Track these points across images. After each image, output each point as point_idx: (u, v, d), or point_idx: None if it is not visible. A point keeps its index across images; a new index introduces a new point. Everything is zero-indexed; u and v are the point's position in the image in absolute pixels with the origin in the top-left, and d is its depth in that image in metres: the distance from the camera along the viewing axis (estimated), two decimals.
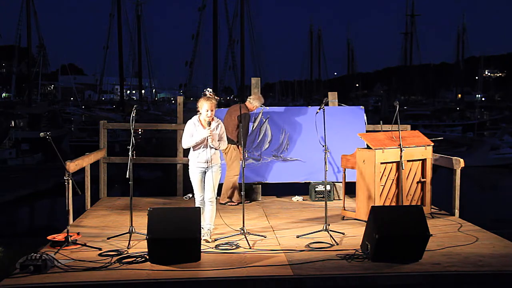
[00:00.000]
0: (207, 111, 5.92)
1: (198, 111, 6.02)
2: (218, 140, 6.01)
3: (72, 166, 6.54)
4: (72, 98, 54.49)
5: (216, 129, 5.99)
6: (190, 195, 8.24)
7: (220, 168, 6.15)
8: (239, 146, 7.89)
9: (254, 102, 8.13)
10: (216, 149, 6.03)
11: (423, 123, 36.31)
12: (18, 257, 5.01)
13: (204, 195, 6.05)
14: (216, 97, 6.07)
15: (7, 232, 13.74)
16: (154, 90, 62.14)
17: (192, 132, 5.98)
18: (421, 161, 7.04)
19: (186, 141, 6.01)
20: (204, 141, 5.92)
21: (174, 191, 8.79)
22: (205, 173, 6.04)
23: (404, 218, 5.26)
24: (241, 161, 7.81)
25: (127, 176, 5.81)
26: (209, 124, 5.92)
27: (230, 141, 7.75)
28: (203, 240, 5.53)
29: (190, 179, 6.08)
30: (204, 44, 44.70)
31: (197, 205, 6.01)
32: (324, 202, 6.54)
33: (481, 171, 22.71)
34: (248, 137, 8.57)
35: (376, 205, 6.44)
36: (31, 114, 29.15)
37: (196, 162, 5.99)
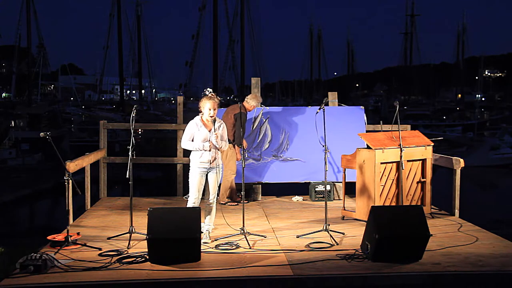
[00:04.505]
0: (210, 109, 5.92)
1: (200, 111, 6.02)
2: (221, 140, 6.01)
3: (72, 166, 6.54)
4: (72, 98, 54.43)
5: (218, 129, 5.99)
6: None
7: (221, 169, 6.16)
8: (235, 145, 7.90)
9: (251, 102, 8.15)
10: (218, 150, 6.03)
11: (423, 123, 36.32)
12: (18, 257, 5.01)
13: (199, 197, 6.03)
14: (217, 98, 6.07)
15: (7, 232, 13.76)
16: (154, 90, 62.10)
17: (193, 133, 5.97)
18: (421, 161, 7.04)
19: (185, 144, 6.01)
20: (203, 149, 5.91)
21: (174, 191, 8.80)
22: (207, 174, 6.04)
23: (404, 218, 5.26)
24: (239, 161, 7.82)
25: (127, 176, 5.81)
26: (214, 122, 5.91)
27: None
28: (202, 242, 5.51)
29: (189, 180, 6.05)
30: (204, 44, 44.74)
31: (189, 205, 5.99)
32: (324, 202, 6.54)
33: (481, 171, 22.72)
34: (248, 137, 8.57)
35: (376, 205, 6.44)
36: (31, 114, 29.16)
37: (198, 163, 5.98)
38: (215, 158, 5.99)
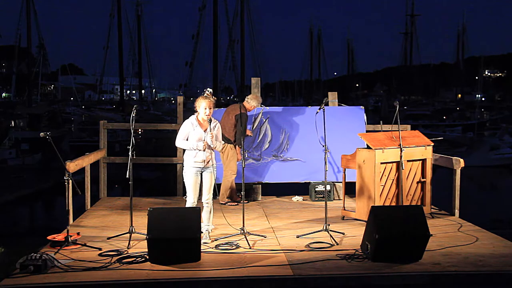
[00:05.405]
0: (205, 109, 5.92)
1: (196, 111, 6.03)
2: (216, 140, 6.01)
3: (72, 166, 6.54)
4: (72, 98, 54.42)
5: (214, 129, 5.99)
6: None
7: (215, 169, 6.14)
8: (236, 145, 7.90)
9: (252, 102, 8.15)
10: (213, 150, 6.02)
11: (423, 123, 36.30)
12: (18, 257, 5.01)
13: (197, 197, 6.02)
14: (213, 97, 6.07)
15: (7, 232, 13.75)
16: (154, 90, 62.11)
17: (188, 132, 5.97)
18: (421, 161, 7.04)
19: (180, 142, 6.01)
20: (197, 149, 5.90)
21: (174, 191, 8.80)
22: (201, 173, 6.03)
23: (404, 218, 5.26)
24: (239, 161, 7.82)
25: (127, 176, 5.81)
26: (210, 122, 5.92)
27: (227, 140, 7.76)
28: (202, 242, 5.51)
29: (185, 180, 6.03)
30: (204, 44, 44.69)
31: (188, 206, 5.97)
32: (324, 202, 6.54)
33: (481, 171, 22.71)
34: (248, 137, 8.57)
35: (376, 205, 6.44)
36: (31, 114, 29.14)
37: (192, 162, 5.97)
38: (210, 158, 5.99)
